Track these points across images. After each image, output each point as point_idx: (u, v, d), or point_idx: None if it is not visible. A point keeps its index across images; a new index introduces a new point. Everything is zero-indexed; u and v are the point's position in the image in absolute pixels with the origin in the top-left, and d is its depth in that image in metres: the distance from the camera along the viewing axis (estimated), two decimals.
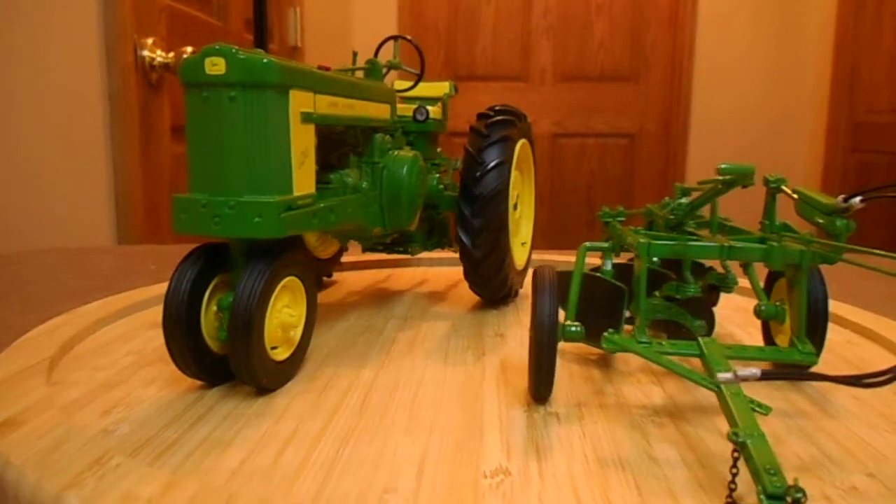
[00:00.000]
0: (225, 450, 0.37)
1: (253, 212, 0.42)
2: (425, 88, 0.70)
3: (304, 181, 0.46)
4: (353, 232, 0.61)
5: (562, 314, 0.43)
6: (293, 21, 1.87)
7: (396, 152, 0.59)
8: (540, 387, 0.41)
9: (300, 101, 0.45)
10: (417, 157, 0.60)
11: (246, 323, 0.41)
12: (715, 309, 0.61)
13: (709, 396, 0.40)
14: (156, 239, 1.24)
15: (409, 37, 0.66)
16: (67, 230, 1.13)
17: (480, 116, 0.65)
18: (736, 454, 0.31)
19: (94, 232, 1.19)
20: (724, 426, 0.39)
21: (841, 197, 0.38)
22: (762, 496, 0.28)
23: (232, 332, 0.41)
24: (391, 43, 0.67)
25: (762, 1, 2.41)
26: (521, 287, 0.72)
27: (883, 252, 0.37)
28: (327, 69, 0.50)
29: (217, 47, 0.41)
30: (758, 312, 0.48)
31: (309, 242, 0.71)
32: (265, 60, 0.42)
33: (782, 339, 0.49)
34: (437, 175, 0.66)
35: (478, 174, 0.60)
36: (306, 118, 0.46)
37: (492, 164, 0.60)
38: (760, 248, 0.41)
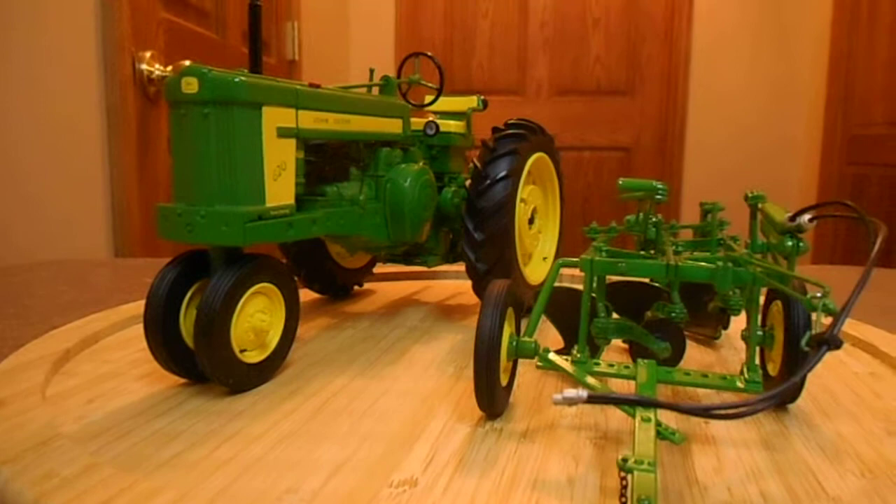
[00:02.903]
0: (168, 443, 0.39)
1: (220, 221, 0.45)
2: (451, 103, 0.71)
3: (279, 193, 0.48)
4: (360, 242, 0.63)
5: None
6: (290, 35, 1.90)
7: (402, 165, 0.60)
8: (481, 401, 0.41)
9: (276, 117, 0.48)
10: (423, 171, 0.61)
11: (208, 324, 0.44)
12: (727, 331, 0.57)
13: (672, 424, 0.38)
14: (153, 251, 1.23)
15: (429, 53, 0.67)
16: (64, 242, 1.13)
17: (494, 130, 0.64)
18: (624, 482, 0.29)
19: (90, 244, 1.19)
20: (667, 456, 0.37)
21: (787, 215, 0.35)
22: None
23: (196, 333, 0.44)
24: (412, 60, 0.69)
25: (757, 16, 2.33)
26: None
27: (813, 280, 0.33)
28: (317, 86, 0.53)
29: (192, 68, 0.44)
30: (744, 337, 0.45)
31: (337, 252, 0.73)
32: (235, 80, 0.44)
33: (772, 367, 0.45)
34: (454, 189, 0.67)
35: (481, 187, 0.60)
36: (284, 133, 0.48)
37: (496, 177, 0.60)
38: (708, 269, 0.38)
